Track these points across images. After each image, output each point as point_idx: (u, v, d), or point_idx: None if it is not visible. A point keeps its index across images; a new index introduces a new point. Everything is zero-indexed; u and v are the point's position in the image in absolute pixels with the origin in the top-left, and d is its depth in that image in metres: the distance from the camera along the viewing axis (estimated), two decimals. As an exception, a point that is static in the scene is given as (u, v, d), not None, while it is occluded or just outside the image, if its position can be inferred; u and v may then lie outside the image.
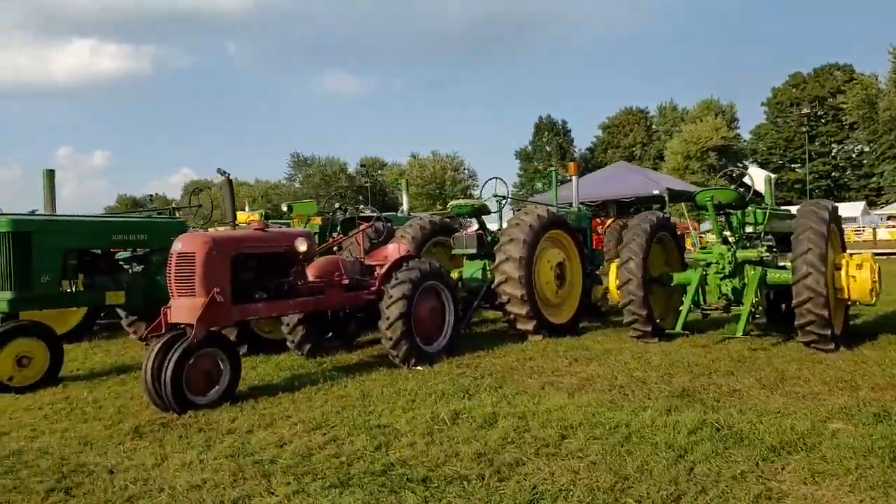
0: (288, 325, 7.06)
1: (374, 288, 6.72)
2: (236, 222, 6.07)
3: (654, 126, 79.01)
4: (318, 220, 9.09)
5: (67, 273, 6.86)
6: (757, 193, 7.74)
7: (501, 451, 4.02)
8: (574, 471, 3.67)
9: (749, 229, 7.59)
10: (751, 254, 7.01)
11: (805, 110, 65.30)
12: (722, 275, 7.07)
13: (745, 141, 72.90)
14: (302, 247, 6.01)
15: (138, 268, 7.66)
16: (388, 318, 6.35)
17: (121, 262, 7.59)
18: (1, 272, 6.35)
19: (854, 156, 67.74)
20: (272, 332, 7.70)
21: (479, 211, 8.31)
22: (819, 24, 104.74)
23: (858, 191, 64.91)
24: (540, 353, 6.87)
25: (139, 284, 7.46)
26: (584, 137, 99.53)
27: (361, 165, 62.27)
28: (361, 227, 7.09)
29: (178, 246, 5.46)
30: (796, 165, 70.89)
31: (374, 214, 8.60)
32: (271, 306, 5.98)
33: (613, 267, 7.53)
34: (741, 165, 64.10)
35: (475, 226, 8.48)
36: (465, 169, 77.89)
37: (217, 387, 5.45)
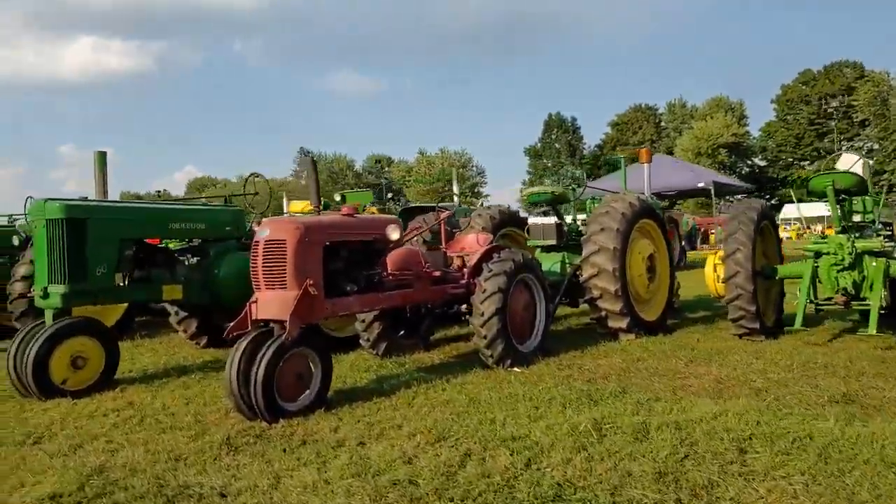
0: (363, 321, 6.44)
1: (463, 281, 6.10)
2: (320, 207, 5.44)
3: (663, 123, 78.43)
4: (373, 210, 8.48)
5: (122, 265, 6.23)
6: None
7: (682, 469, 3.41)
8: (791, 495, 3.06)
9: (856, 218, 6.99)
10: (872, 244, 6.39)
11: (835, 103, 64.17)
12: (840, 267, 6.45)
13: (754, 138, 72.31)
14: (394, 234, 5.38)
15: (193, 260, 7.03)
16: (482, 315, 5.74)
17: (175, 254, 6.97)
18: (54, 263, 5.72)
19: (865, 153, 67.15)
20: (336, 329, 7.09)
21: (559, 199, 7.69)
22: (828, 21, 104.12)
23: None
24: (645, 353, 6.25)
25: (196, 278, 6.83)
26: (592, 135, 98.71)
27: (377, 161, 61.42)
28: (443, 215, 6.46)
29: (265, 232, 4.84)
30: (805, 163, 70.32)
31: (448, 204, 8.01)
32: (363, 300, 5.35)
33: (711, 258, 6.92)
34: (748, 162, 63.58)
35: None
36: (473, 166, 77.25)
37: (308, 391, 4.83)
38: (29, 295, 7.56)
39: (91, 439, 4.40)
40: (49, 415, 5.11)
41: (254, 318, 4.82)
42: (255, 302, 4.83)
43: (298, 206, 9.09)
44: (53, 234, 5.72)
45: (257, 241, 4.86)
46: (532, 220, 9.42)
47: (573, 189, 8.08)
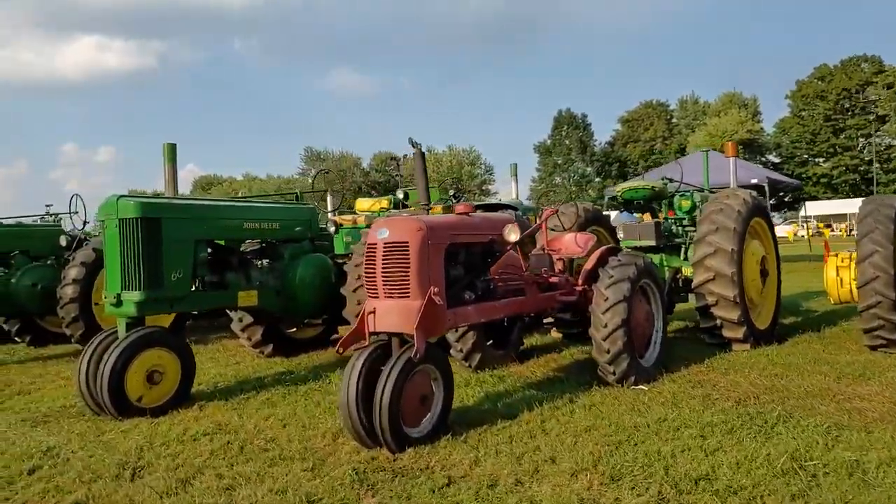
0: (456, 331, 5.85)
1: (579, 287, 5.50)
2: (429, 205, 4.84)
3: (674, 119, 77.65)
4: (438, 209, 7.87)
5: (197, 269, 5.64)
6: None
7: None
8: None
9: None
10: None
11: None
12: None
13: (768, 135, 71.56)
14: (512, 236, 4.78)
15: (265, 262, 6.44)
16: (604, 326, 5.13)
17: (248, 256, 6.37)
18: (128, 268, 5.14)
19: (882, 149, 66.38)
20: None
21: (659, 195, 7.08)
22: (844, 16, 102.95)
23: (887, 185, 63.58)
24: (778, 367, 5.64)
25: (271, 283, 6.24)
26: (602, 131, 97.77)
27: (392, 158, 60.44)
28: (547, 212, 5.85)
29: (383, 233, 4.23)
30: (821, 160, 69.60)
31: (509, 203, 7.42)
32: (480, 310, 4.74)
33: (833, 261, 6.32)
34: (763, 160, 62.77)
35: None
36: (481, 163, 76.60)
37: (429, 414, 4.24)
38: (102, 302, 7.05)
39: (196, 472, 3.82)
40: (132, 438, 4.53)
41: (371, 330, 4.22)
42: (373, 312, 4.23)
43: (366, 203, 8.50)
44: (127, 235, 5.13)
45: (373, 244, 4.26)
46: (621, 218, 8.84)
47: (665, 184, 7.45)
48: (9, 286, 7.77)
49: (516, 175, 10.60)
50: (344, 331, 8.28)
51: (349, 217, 7.81)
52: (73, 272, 7.54)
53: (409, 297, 4.14)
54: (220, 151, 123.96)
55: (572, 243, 6.04)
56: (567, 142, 74.76)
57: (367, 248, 4.30)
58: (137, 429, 4.76)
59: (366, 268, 4.30)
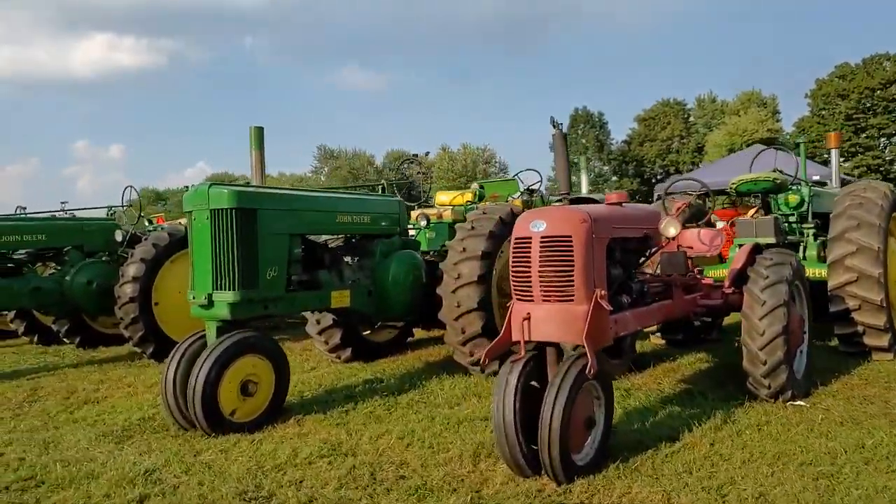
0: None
1: (728, 290, 4.88)
2: (570, 193, 4.22)
3: (692, 118, 76.83)
4: (517, 202, 7.28)
5: (291, 267, 5.05)
6: None
7: None
8: None
9: None
10: None
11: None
12: None
13: (787, 134, 70.60)
14: (671, 230, 4.17)
15: (355, 260, 5.84)
16: (760, 334, 4.51)
17: (339, 253, 5.77)
18: (221, 265, 4.55)
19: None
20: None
21: (779, 188, 6.44)
22: (867, 12, 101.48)
23: (910, 186, 62.55)
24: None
25: (363, 282, 5.65)
26: (618, 130, 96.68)
27: (414, 155, 59.92)
28: (679, 204, 5.23)
29: (538, 226, 3.62)
30: (841, 159, 68.59)
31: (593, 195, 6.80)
32: (637, 316, 4.13)
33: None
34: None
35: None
36: (496, 161, 76.02)
37: (590, 438, 3.64)
38: (162, 302, 6.47)
39: (337, 509, 3.23)
40: (236, 460, 3.94)
41: (528, 338, 3.61)
42: (527, 319, 3.62)
43: (447, 196, 7.89)
44: (221, 228, 4.55)
45: (526, 238, 3.65)
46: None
47: (785, 177, 6.80)
48: (63, 284, 7.20)
49: (586, 167, 9.94)
50: (422, 334, 7.76)
51: (433, 211, 7.20)
52: (131, 269, 6.97)
53: (572, 300, 3.53)
54: (230, 149, 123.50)
55: (696, 240, 5.44)
56: (584, 140, 74.07)
57: (518, 243, 3.69)
58: (237, 448, 4.18)
59: (515, 266, 3.69)
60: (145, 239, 7.24)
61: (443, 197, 7.87)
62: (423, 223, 6.56)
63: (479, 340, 5.49)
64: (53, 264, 7.46)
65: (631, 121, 79.42)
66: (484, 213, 5.82)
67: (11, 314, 8.39)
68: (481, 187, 8.14)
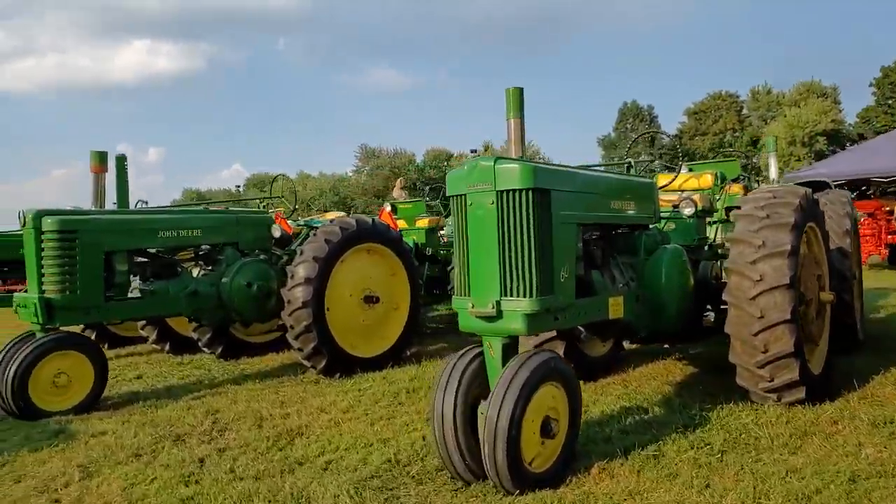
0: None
1: None
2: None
3: (745, 111, 74.40)
4: (738, 187, 6.07)
5: (576, 266, 3.92)
6: None
7: None
8: None
9: None
10: None
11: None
12: None
13: (850, 125, 67.78)
14: None
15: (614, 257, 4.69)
16: None
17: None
18: (515, 263, 3.45)
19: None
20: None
21: None
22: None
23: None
24: None
25: (631, 285, 4.50)
26: (668, 124, 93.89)
27: (472, 151, 58.81)
28: None
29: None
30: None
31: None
32: None
33: None
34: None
35: None
36: (540, 158, 74.66)
37: None
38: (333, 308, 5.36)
39: None
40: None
41: None
42: None
43: (664, 178, 6.69)
44: (514, 215, 3.44)
45: None
46: None
47: None
48: (219, 287, 6.20)
49: (775, 150, 8.73)
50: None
51: (671, 197, 5.97)
52: (302, 270, 5.95)
53: None
54: (264, 151, 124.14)
55: None
56: (633, 134, 72.20)
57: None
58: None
59: None
60: (313, 234, 6.22)
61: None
62: (689, 210, 5.35)
63: (786, 362, 4.31)
64: (202, 264, 6.46)
65: (681, 114, 76.93)
66: (774, 196, 4.63)
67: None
68: (690, 169, 6.92)
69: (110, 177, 6.87)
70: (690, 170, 7.11)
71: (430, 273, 8.59)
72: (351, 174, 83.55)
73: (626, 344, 6.08)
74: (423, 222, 8.68)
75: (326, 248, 6.03)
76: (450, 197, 3.75)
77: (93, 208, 6.06)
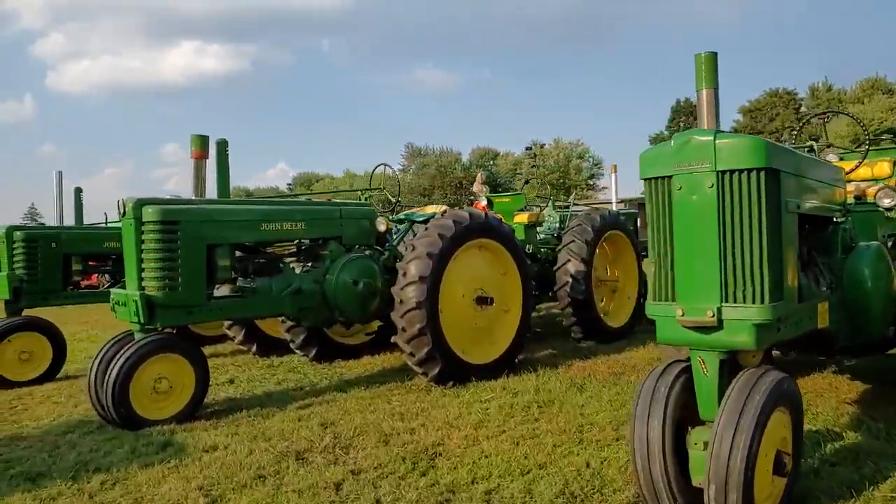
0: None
1: None
2: None
3: (803, 108, 71.61)
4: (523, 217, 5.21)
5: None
6: None
7: None
8: None
9: None
10: None
11: None
12: None
13: (917, 123, 64.49)
14: None
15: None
16: None
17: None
18: (741, 261, 2.80)
19: None
20: None
21: None
22: None
23: None
24: None
25: (828, 289, 3.79)
26: (723, 122, 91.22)
27: (527, 148, 57.41)
28: None
29: None
30: None
31: None
32: None
33: None
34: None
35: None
36: (589, 157, 73.31)
37: None
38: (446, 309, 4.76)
39: None
40: None
41: None
42: None
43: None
44: (740, 201, 2.79)
45: None
46: None
47: None
48: (324, 284, 5.67)
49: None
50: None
51: None
52: (415, 267, 5.39)
53: None
54: (308, 151, 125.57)
55: None
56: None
57: None
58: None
59: None
60: (413, 230, 5.66)
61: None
62: (888, 202, 4.64)
63: None
64: (302, 257, 5.95)
65: (735, 112, 74.43)
66: None
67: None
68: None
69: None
70: (841, 158, 6.32)
71: None
72: (398, 172, 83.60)
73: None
74: (521, 218, 8.05)
75: (440, 243, 5.46)
76: (645, 180, 3.11)
77: (192, 198, 5.59)
